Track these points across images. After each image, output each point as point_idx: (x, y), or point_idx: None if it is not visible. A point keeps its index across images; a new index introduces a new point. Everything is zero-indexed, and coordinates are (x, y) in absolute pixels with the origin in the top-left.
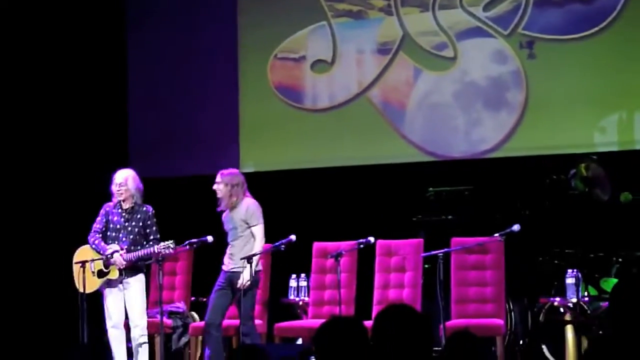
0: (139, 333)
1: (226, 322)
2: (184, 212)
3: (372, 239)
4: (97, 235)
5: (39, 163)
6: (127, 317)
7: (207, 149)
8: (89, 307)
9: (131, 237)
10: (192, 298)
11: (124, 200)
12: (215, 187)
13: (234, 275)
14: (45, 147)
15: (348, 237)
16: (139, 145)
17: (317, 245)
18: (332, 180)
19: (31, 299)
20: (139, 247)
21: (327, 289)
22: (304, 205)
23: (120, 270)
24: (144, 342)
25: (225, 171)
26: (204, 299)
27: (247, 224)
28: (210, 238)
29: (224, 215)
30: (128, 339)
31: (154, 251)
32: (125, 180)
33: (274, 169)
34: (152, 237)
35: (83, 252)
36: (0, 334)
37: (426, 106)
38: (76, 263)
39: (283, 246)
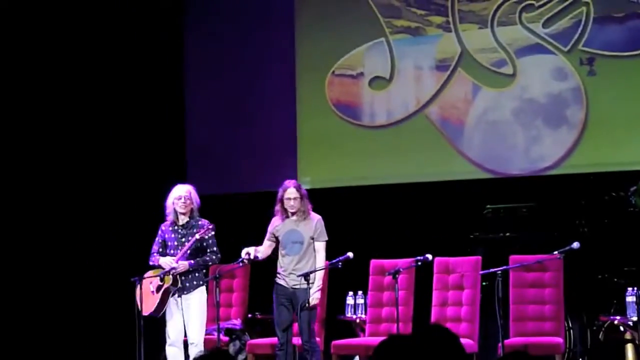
0: (194, 352)
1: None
2: (239, 228)
3: (429, 256)
4: (155, 254)
5: (96, 181)
6: (185, 335)
7: (265, 165)
8: (147, 326)
9: (188, 252)
10: (249, 315)
11: (183, 214)
12: (291, 195)
13: (298, 292)
14: (103, 165)
15: (405, 255)
16: (196, 160)
17: (374, 263)
18: (390, 197)
19: (89, 318)
20: (198, 259)
21: (384, 306)
22: (361, 222)
23: (174, 277)
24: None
25: (295, 182)
26: (260, 316)
27: (313, 239)
28: (260, 255)
29: (281, 227)
30: (185, 357)
31: (193, 241)
32: (189, 192)
33: (331, 186)
34: (209, 250)
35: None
36: (59, 353)
37: (485, 123)
38: (132, 280)
39: (340, 263)
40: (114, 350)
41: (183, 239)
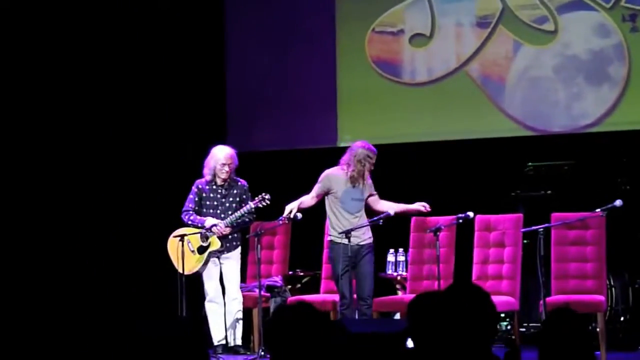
0: (237, 307)
1: (322, 296)
2: (278, 186)
3: (471, 213)
4: (190, 212)
5: (134, 138)
6: (223, 291)
7: (304, 123)
8: (187, 284)
9: (229, 212)
10: (289, 272)
11: (224, 179)
12: (374, 160)
13: (362, 249)
14: (140, 120)
15: (447, 212)
16: (236, 117)
17: (415, 220)
18: (431, 154)
19: (129, 277)
20: (238, 217)
21: (425, 264)
22: (401, 179)
23: (221, 239)
24: (241, 318)
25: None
26: (301, 273)
27: (368, 196)
28: (299, 215)
29: (342, 184)
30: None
31: (250, 208)
32: (233, 159)
33: (371, 143)
34: (246, 211)
35: (173, 243)
36: (99, 313)
37: (526, 80)
38: (175, 237)
39: (381, 220)
40: (154, 307)
41: (223, 199)
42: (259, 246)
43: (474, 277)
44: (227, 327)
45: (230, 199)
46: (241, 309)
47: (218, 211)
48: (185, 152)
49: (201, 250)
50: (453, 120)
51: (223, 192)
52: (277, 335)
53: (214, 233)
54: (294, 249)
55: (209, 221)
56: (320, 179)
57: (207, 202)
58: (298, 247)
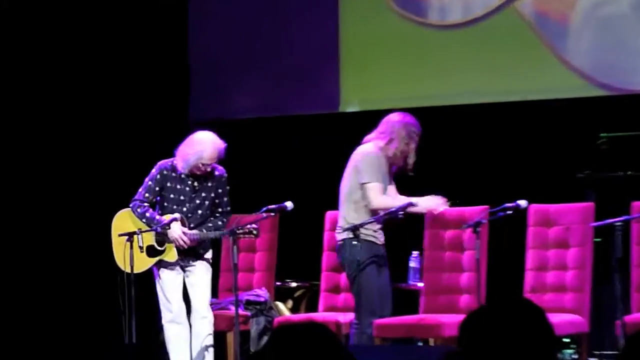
0: (206, 330)
1: (321, 315)
2: (260, 162)
3: (523, 202)
4: (145, 204)
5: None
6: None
7: (296, 83)
8: (136, 293)
9: (199, 212)
10: (277, 283)
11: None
12: (414, 136)
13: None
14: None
15: (488, 201)
16: (203, 75)
17: (451, 213)
18: (466, 122)
19: (63, 281)
20: (208, 225)
21: (445, 271)
22: (424, 155)
23: (179, 250)
24: (211, 344)
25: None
26: (294, 284)
27: None
28: (289, 204)
29: (384, 167)
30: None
31: (228, 233)
32: (220, 157)
33: (386, 107)
34: (220, 210)
35: (124, 220)
36: (24, 328)
37: (597, 20)
38: (120, 235)
39: (401, 212)
40: (95, 325)
41: (193, 195)
42: (235, 248)
43: (526, 289)
44: (193, 356)
45: (203, 195)
46: (212, 332)
47: (184, 209)
48: (136, 125)
49: (151, 252)
50: (496, 75)
51: (194, 185)
52: None
53: (172, 239)
54: (283, 252)
55: (173, 229)
56: (371, 161)
57: (171, 195)
58: (289, 249)
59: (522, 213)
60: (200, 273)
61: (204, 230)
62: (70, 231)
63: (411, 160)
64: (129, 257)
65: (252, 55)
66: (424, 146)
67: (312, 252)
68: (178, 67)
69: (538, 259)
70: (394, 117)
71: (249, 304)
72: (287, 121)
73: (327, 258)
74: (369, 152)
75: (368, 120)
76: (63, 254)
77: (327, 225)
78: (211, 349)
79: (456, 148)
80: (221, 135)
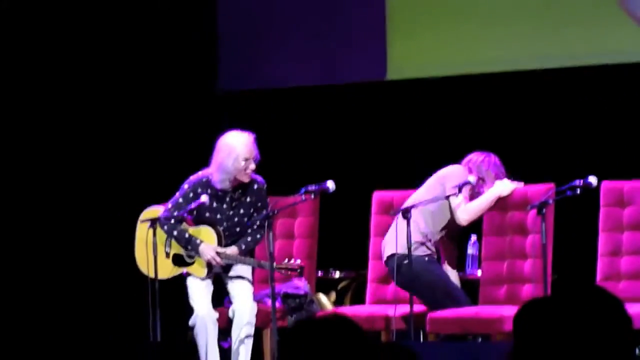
0: (245, 320)
1: (368, 309)
2: (297, 140)
3: (593, 179)
4: (172, 221)
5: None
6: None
7: (339, 49)
8: (161, 289)
9: (237, 229)
10: (319, 273)
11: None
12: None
13: None
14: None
15: (553, 177)
16: (233, 40)
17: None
18: (527, 89)
19: (90, 279)
20: (247, 240)
21: (505, 258)
22: (481, 126)
23: (209, 267)
24: (249, 335)
25: None
26: (338, 274)
27: None
28: (331, 184)
29: None
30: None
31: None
32: (255, 147)
33: (438, 75)
34: (258, 222)
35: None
36: (49, 325)
37: None
38: (143, 221)
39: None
40: (119, 323)
41: (231, 212)
42: (271, 235)
43: (598, 277)
44: (233, 352)
45: (241, 212)
46: (252, 322)
47: (220, 228)
48: (163, 99)
49: (178, 261)
50: (561, 36)
51: (232, 202)
52: None
53: (205, 259)
54: (325, 238)
55: (205, 250)
56: (463, 177)
57: (207, 214)
58: (332, 235)
59: (592, 191)
60: (238, 268)
61: (242, 247)
62: (97, 223)
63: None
64: (151, 246)
65: (289, 18)
66: (480, 116)
67: (358, 238)
68: (205, 33)
69: (611, 243)
70: (477, 157)
71: (287, 297)
72: (328, 91)
73: (375, 244)
74: (457, 167)
75: (418, 89)
76: (89, 248)
77: (374, 207)
78: (248, 341)
79: (518, 118)
80: (254, 107)
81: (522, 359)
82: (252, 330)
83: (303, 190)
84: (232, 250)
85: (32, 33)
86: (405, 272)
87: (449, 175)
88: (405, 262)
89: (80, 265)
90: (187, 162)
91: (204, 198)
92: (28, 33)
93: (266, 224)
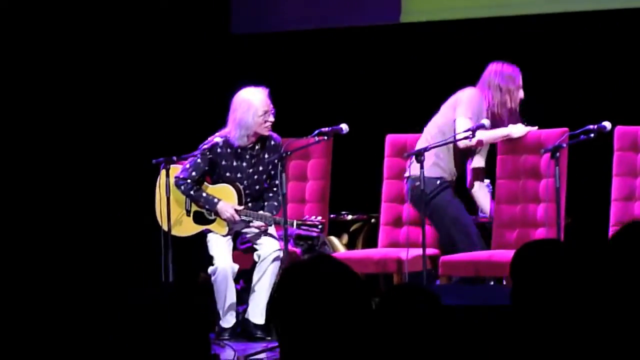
0: (274, 248)
1: (381, 252)
2: (310, 82)
3: (607, 124)
4: (188, 182)
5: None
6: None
7: None
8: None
9: (257, 187)
10: (332, 215)
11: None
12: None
13: None
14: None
15: (567, 122)
16: None
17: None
18: (540, 33)
19: (104, 221)
20: (264, 205)
21: (519, 202)
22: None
23: (230, 226)
24: (277, 258)
25: None
26: (350, 216)
27: None
28: (345, 126)
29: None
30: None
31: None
32: (267, 96)
33: (452, 18)
34: (276, 188)
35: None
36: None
37: None
38: (155, 162)
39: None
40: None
41: (251, 170)
42: (284, 176)
43: (611, 221)
44: (252, 287)
45: (260, 169)
46: (279, 259)
47: (241, 186)
48: (175, 44)
49: (198, 219)
50: None
51: (251, 159)
52: (283, 307)
53: (224, 218)
54: (338, 180)
55: (224, 208)
56: (474, 98)
57: (227, 174)
58: (345, 177)
59: (606, 136)
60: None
61: (261, 212)
62: (117, 175)
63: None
64: (164, 188)
65: None
66: (494, 59)
67: (371, 181)
68: None
69: (625, 188)
70: (487, 71)
71: (299, 238)
72: (341, 33)
73: (388, 187)
74: (471, 90)
75: (433, 33)
76: (109, 204)
77: (387, 150)
78: (277, 263)
79: (531, 63)
80: (267, 50)
81: (519, 299)
82: (276, 270)
83: (316, 132)
84: (250, 213)
85: None
86: (417, 195)
87: (462, 100)
88: (417, 184)
89: (100, 223)
90: (202, 107)
91: (218, 139)
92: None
93: (279, 165)
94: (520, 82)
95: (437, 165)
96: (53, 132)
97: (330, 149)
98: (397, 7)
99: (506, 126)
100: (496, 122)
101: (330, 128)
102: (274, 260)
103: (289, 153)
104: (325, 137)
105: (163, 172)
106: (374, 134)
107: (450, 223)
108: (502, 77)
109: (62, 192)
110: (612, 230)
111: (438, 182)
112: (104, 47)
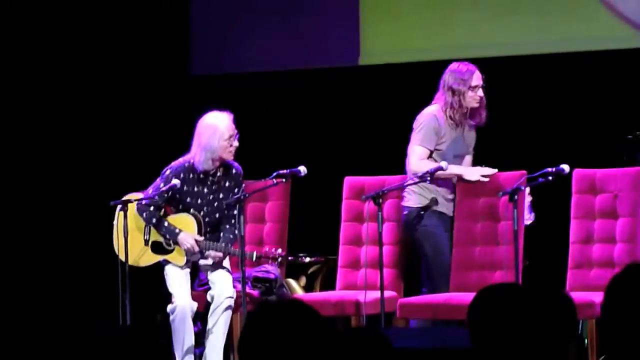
0: (226, 294)
1: (339, 294)
2: (269, 124)
3: (565, 167)
4: (151, 208)
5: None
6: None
7: (312, 33)
8: (131, 272)
9: (217, 215)
10: (290, 258)
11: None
12: (480, 82)
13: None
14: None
15: (526, 165)
16: (205, 25)
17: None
18: (499, 76)
19: (62, 263)
20: (224, 236)
21: (477, 245)
22: None
23: (188, 256)
24: (229, 307)
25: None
26: (308, 259)
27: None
28: (303, 169)
29: (447, 132)
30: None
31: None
32: (231, 121)
33: (411, 60)
34: (233, 220)
35: (131, 211)
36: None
37: None
38: (113, 203)
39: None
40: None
41: (211, 196)
42: (242, 218)
43: (569, 264)
44: (208, 330)
45: (221, 196)
46: (233, 295)
47: (201, 212)
48: (135, 83)
49: (157, 249)
50: (534, 24)
51: (212, 185)
52: (251, 349)
53: (184, 248)
54: (295, 223)
55: (184, 238)
56: (423, 122)
57: (188, 199)
58: (302, 220)
59: (564, 179)
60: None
61: (221, 244)
62: (74, 212)
63: (474, 107)
64: (122, 229)
65: (261, 3)
66: None
67: (329, 224)
68: (178, 18)
69: (583, 231)
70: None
71: (257, 281)
72: (300, 75)
73: (346, 230)
74: (425, 112)
75: (391, 75)
76: (66, 238)
77: (345, 192)
78: (228, 313)
79: (490, 105)
80: (227, 91)
81: (477, 344)
82: (229, 317)
83: (275, 174)
84: (217, 252)
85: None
86: (404, 227)
87: (414, 127)
88: (405, 212)
89: (57, 255)
90: (161, 147)
91: (175, 181)
92: None
93: (237, 207)
94: (475, 82)
95: (420, 195)
96: (13, 170)
97: (288, 191)
98: (356, 49)
99: (463, 128)
100: (454, 124)
101: (288, 170)
102: (226, 309)
103: (246, 195)
104: (284, 180)
105: (121, 213)
106: (332, 177)
107: (430, 259)
108: (454, 78)
109: (18, 229)
110: (570, 275)
111: (422, 212)
112: (65, 89)
